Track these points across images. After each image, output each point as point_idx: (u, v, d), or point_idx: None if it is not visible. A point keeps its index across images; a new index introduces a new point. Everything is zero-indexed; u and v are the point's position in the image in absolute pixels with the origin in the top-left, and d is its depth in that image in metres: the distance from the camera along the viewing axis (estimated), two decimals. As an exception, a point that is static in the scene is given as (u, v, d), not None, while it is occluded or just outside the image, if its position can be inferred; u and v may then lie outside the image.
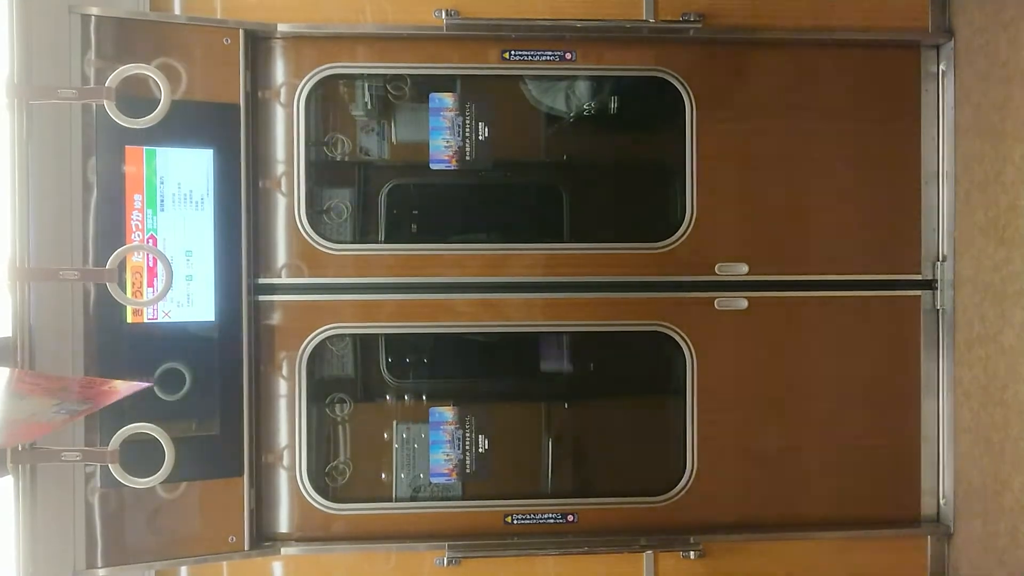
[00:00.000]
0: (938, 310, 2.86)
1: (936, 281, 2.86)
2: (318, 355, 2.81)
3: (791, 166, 2.84)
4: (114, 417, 2.34)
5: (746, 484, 2.83)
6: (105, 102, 2.21)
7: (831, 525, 2.82)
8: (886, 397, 2.87)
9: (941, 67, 2.85)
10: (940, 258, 2.86)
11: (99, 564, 2.47)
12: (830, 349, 2.85)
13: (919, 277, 2.87)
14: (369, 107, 2.97)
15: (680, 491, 2.81)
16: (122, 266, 2.31)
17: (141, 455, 2.30)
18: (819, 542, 2.81)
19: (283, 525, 2.75)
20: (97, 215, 2.46)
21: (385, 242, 2.94)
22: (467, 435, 2.83)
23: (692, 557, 2.74)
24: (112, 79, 2.23)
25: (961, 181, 2.79)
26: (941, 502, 2.86)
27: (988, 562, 2.66)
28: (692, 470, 2.80)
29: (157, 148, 2.50)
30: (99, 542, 2.47)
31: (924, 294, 2.87)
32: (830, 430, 2.85)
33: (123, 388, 1.98)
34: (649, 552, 2.76)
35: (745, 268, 2.82)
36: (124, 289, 2.38)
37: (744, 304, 2.82)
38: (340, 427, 2.94)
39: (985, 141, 2.67)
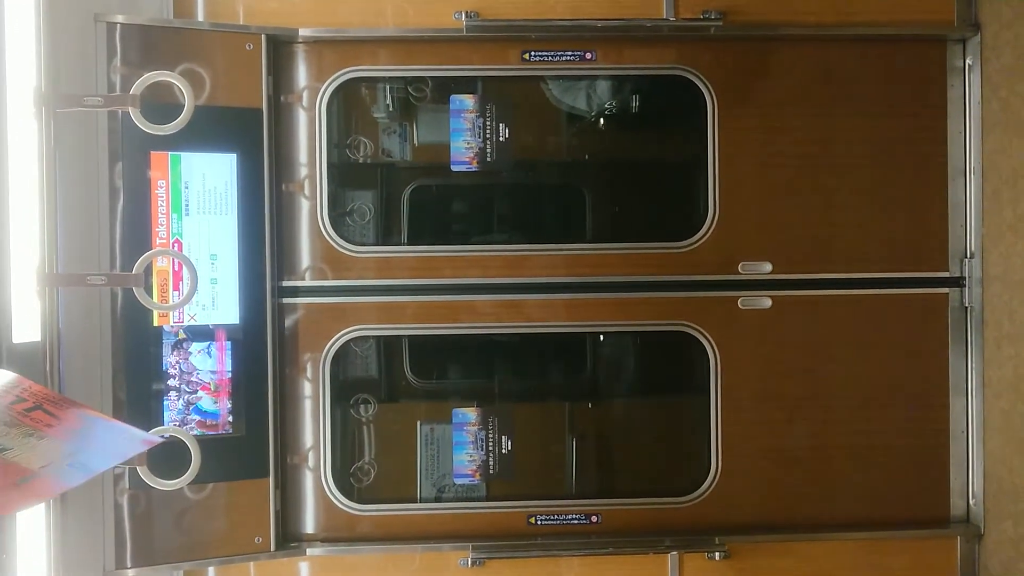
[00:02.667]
0: (966, 308, 2.82)
1: (964, 278, 2.82)
2: (342, 356, 2.82)
3: (815, 163, 2.81)
4: (141, 421, 2.37)
5: (772, 484, 2.81)
6: (130, 109, 2.24)
7: (858, 526, 2.79)
8: (913, 396, 2.83)
9: (967, 61, 2.80)
10: (968, 255, 2.81)
11: (128, 564, 2.51)
12: (856, 348, 2.81)
13: (947, 275, 2.83)
14: (390, 109, 2.98)
15: (705, 491, 2.79)
16: (148, 270, 2.34)
17: (168, 457, 2.33)
18: (846, 543, 2.79)
19: (308, 526, 2.77)
20: (123, 220, 2.49)
21: (407, 244, 2.95)
22: (490, 436, 2.83)
23: (717, 558, 2.72)
24: (137, 86, 2.25)
25: (989, 177, 2.75)
26: (971, 502, 2.82)
27: (1020, 564, 2.62)
28: (717, 470, 2.79)
29: (182, 153, 2.53)
30: (128, 543, 2.50)
31: (952, 292, 2.83)
32: (857, 430, 2.82)
33: (146, 439, 1.97)
34: (674, 553, 2.74)
35: (769, 267, 2.79)
36: (150, 293, 2.41)
37: (768, 303, 2.79)
38: (364, 428, 2.96)
39: (1013, 136, 2.63)
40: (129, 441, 1.91)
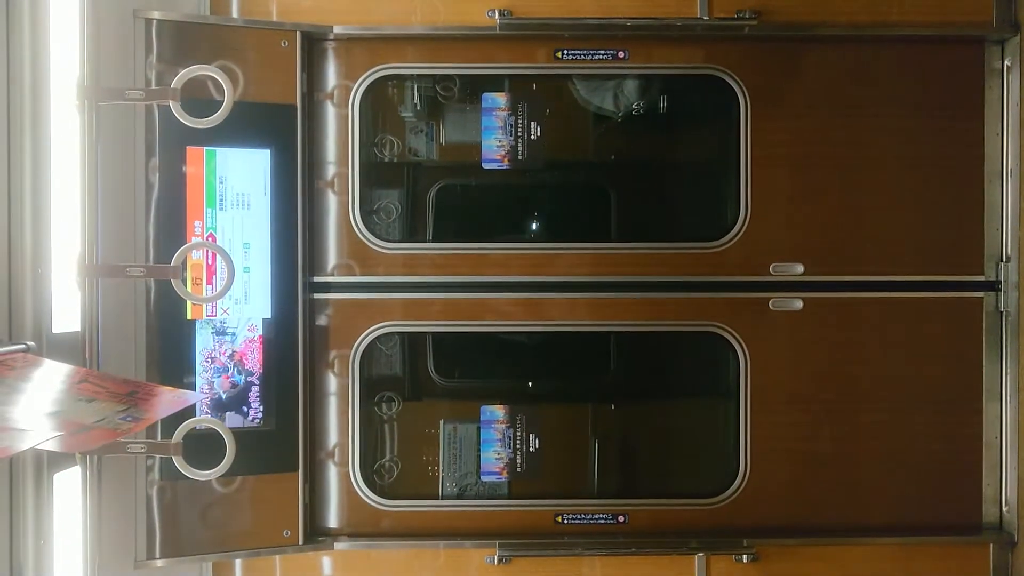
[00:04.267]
0: (1001, 312, 2.78)
1: (1000, 282, 2.78)
2: (369, 353, 2.83)
3: (848, 164, 2.79)
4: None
5: (801, 487, 2.79)
6: (171, 103, 2.26)
7: (889, 531, 2.76)
8: (946, 401, 2.80)
9: (1006, 63, 2.77)
10: (1004, 259, 2.78)
11: (157, 555, 2.53)
12: (888, 351, 2.79)
13: (982, 278, 2.79)
14: (419, 108, 2.99)
15: (733, 493, 2.77)
16: (183, 263, 2.36)
17: (199, 450, 2.34)
18: (876, 548, 2.76)
19: (335, 520, 2.78)
20: (158, 214, 2.51)
21: (436, 241, 2.96)
22: (518, 434, 2.83)
23: (745, 560, 2.71)
24: (178, 80, 2.27)
25: (1027, 179, 2.72)
26: (1004, 510, 2.78)
27: (1054, 572, 2.58)
28: (745, 472, 2.77)
29: (216, 148, 2.55)
30: (158, 534, 2.52)
31: (987, 296, 2.79)
32: (888, 434, 2.79)
33: (188, 397, 2.03)
34: (701, 555, 2.73)
35: (801, 268, 2.77)
36: (185, 287, 2.42)
37: (799, 305, 2.77)
38: (391, 425, 2.97)
39: (1052, 138, 2.59)
40: (175, 398, 2.00)
